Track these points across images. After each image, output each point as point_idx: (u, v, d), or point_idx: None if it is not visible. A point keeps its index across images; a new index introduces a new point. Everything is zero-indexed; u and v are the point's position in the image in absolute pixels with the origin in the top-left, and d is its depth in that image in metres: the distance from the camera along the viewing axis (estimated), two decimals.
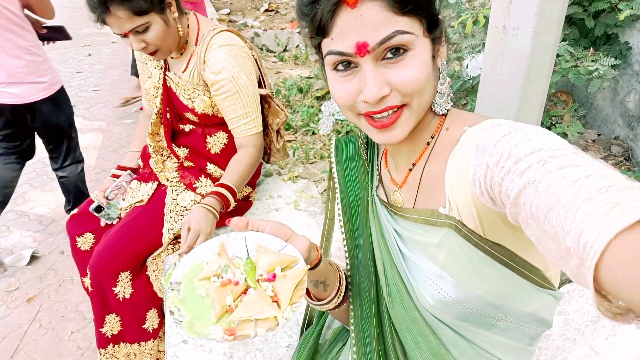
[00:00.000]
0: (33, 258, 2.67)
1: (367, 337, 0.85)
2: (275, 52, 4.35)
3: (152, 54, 1.49)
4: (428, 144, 0.75)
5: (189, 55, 1.59)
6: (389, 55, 0.62)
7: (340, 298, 0.87)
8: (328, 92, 2.94)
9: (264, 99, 1.73)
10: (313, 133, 2.49)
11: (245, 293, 0.70)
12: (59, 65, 5.82)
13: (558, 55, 2.01)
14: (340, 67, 0.65)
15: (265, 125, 1.84)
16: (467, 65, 2.60)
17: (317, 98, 2.98)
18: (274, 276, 0.71)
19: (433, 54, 0.67)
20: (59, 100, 2.31)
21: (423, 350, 0.77)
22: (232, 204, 1.55)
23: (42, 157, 3.76)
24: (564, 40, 2.12)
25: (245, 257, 0.76)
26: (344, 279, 0.89)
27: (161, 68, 1.66)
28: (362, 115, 0.67)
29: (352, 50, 0.61)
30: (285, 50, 4.32)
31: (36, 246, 2.77)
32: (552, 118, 2.40)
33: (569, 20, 2.22)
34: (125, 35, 1.41)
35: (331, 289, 0.85)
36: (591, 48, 2.14)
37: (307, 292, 0.87)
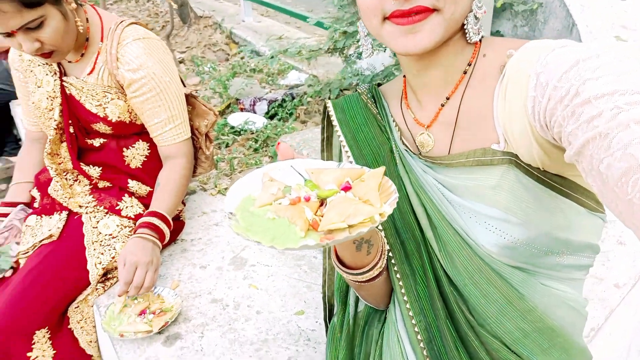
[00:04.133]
0: None
1: (427, 304, 0.74)
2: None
3: (47, 55, 1.21)
4: (465, 72, 0.68)
5: (95, 53, 1.33)
6: None
7: (384, 262, 0.74)
8: (227, 107, 2.76)
9: (187, 100, 1.53)
10: (227, 145, 2.30)
11: (323, 206, 0.58)
12: None
13: None
14: None
15: (191, 132, 1.63)
16: None
17: (225, 109, 2.79)
18: (349, 184, 0.59)
19: None
20: None
21: (493, 300, 0.69)
22: (167, 235, 1.34)
23: None
24: None
25: (301, 182, 0.63)
26: (384, 238, 0.76)
27: (55, 73, 1.36)
28: (387, 20, 0.61)
29: None
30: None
31: None
32: None
33: None
34: (10, 35, 1.12)
35: (375, 250, 0.72)
36: None
37: (340, 261, 0.74)
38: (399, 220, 0.77)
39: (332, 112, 0.85)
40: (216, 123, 1.63)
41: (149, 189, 1.48)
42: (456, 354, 0.71)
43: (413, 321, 0.74)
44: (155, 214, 1.32)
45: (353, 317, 0.88)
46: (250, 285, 1.33)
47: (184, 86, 1.51)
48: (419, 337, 0.73)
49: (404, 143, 0.76)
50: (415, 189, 0.74)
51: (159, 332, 1.16)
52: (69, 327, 1.30)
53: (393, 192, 0.58)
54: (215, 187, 1.87)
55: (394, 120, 0.79)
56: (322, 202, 0.58)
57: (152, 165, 1.48)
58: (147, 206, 1.45)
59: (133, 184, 1.46)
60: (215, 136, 2.35)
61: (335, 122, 0.84)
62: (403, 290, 0.75)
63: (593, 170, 0.44)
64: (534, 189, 0.61)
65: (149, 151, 1.49)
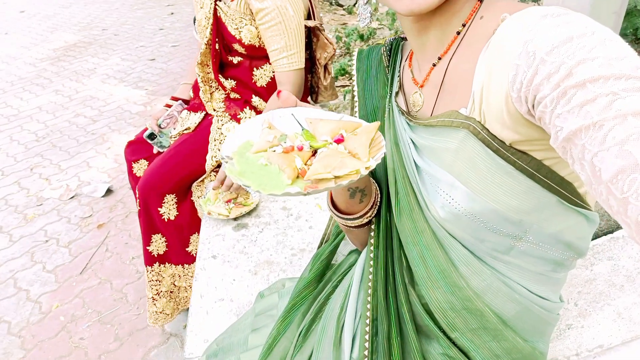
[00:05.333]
0: (108, 191, 2.90)
1: (383, 251, 0.78)
2: (344, 5, 4.25)
3: None
4: (458, 33, 0.66)
5: None
6: None
7: (376, 210, 0.79)
8: None
9: (312, 32, 1.69)
10: None
11: (314, 156, 0.61)
12: (144, 23, 6.16)
13: None
14: None
15: (313, 62, 1.81)
16: None
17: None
18: (342, 137, 0.61)
19: None
20: None
21: (429, 267, 0.70)
22: None
23: (121, 103, 4.05)
24: None
25: (299, 131, 0.65)
26: (378, 188, 0.82)
27: None
28: None
29: None
30: (355, 4, 4.20)
31: (110, 181, 3.00)
32: None
33: None
34: None
35: (368, 199, 0.78)
36: None
37: (335, 206, 0.81)
38: (377, 173, 0.83)
39: (354, 61, 0.91)
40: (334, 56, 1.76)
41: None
42: (391, 303, 0.74)
43: (371, 262, 0.79)
44: None
45: (341, 248, 1.00)
46: (316, 204, 1.53)
47: (314, 19, 1.67)
48: (370, 277, 0.79)
49: (396, 102, 0.79)
50: (392, 144, 0.77)
51: (234, 219, 1.48)
52: (191, 198, 1.73)
53: (381, 148, 0.61)
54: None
55: (399, 76, 0.82)
56: (315, 152, 0.60)
57: (275, 86, 1.72)
58: None
59: (256, 100, 1.75)
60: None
61: (354, 71, 0.90)
62: (372, 234, 0.82)
63: (584, 161, 0.43)
64: (490, 162, 0.58)
65: (273, 74, 1.73)
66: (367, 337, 0.74)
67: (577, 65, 0.43)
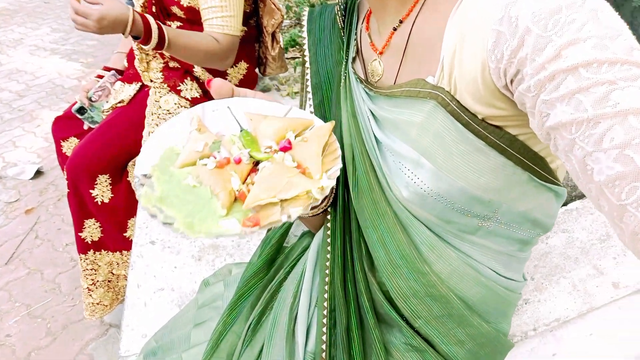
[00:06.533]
0: (38, 173, 2.66)
1: (340, 234, 0.71)
2: None
3: None
4: None
5: None
6: None
7: (332, 198, 0.72)
8: None
9: None
10: None
11: (255, 172, 0.50)
12: None
13: None
14: None
15: (260, 30, 1.68)
16: None
17: None
18: (289, 143, 0.51)
19: None
20: None
21: (389, 252, 0.63)
22: (153, 39, 1.23)
23: (52, 77, 3.72)
24: None
25: (237, 131, 0.54)
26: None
27: None
28: None
29: None
30: None
31: (40, 162, 2.75)
32: None
33: None
34: None
35: None
36: None
37: None
38: None
39: (305, 22, 0.81)
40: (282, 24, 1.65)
41: (210, 76, 1.61)
42: (350, 292, 0.68)
43: (328, 248, 0.72)
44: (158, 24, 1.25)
45: (293, 230, 0.91)
46: None
47: None
48: (327, 263, 0.72)
49: (353, 69, 0.71)
50: (350, 116, 0.70)
51: None
52: (127, 179, 1.58)
53: (337, 159, 0.50)
54: (289, 88, 1.93)
55: (355, 40, 0.73)
56: (257, 164, 0.50)
57: None
58: (205, 92, 1.60)
59: (198, 70, 1.60)
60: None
61: (304, 33, 0.81)
62: (329, 217, 0.74)
63: (571, 154, 0.40)
64: (458, 136, 0.53)
65: None
66: (324, 329, 0.68)
67: (567, 47, 0.38)
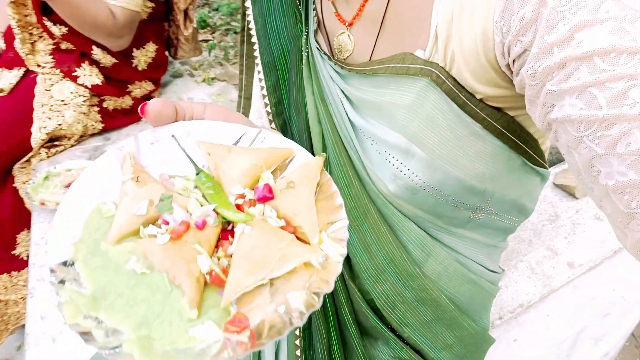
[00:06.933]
0: None
1: None
2: None
3: None
4: None
5: None
6: None
7: None
8: None
9: None
10: (235, 32, 2.13)
11: (227, 238, 0.34)
12: None
13: None
14: None
15: (171, 7, 1.48)
16: None
17: None
18: (269, 191, 0.36)
19: None
20: None
21: (373, 255, 0.56)
22: None
23: None
24: None
25: (192, 173, 0.38)
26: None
27: None
28: None
29: None
30: None
31: None
32: None
33: None
34: None
35: None
36: None
37: None
38: (296, 139, 0.64)
39: None
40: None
41: (115, 60, 1.38)
42: (329, 306, 0.61)
43: None
44: None
45: None
46: None
47: None
48: None
49: (316, 42, 0.59)
50: (316, 99, 0.59)
51: None
52: (13, 185, 1.30)
53: (338, 210, 0.35)
54: (203, 73, 1.75)
55: (314, 9, 0.61)
56: (229, 223, 0.35)
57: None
58: (107, 78, 1.37)
59: (97, 52, 1.36)
60: (226, 21, 2.18)
61: (248, 3, 0.67)
62: None
63: (575, 152, 0.36)
64: (454, 119, 0.46)
65: None
66: (298, 352, 0.58)
67: (581, 28, 0.33)
